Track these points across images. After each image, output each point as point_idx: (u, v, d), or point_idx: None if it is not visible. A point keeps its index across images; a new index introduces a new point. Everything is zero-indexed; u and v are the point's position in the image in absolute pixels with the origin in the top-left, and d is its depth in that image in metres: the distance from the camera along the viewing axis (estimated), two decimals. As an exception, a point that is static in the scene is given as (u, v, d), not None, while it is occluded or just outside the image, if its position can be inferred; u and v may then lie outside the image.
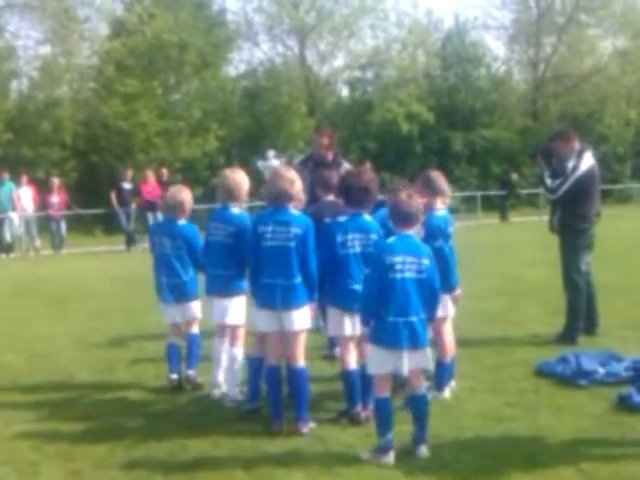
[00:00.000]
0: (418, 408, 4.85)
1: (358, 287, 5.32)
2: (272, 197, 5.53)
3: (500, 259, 15.27)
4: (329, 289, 5.53)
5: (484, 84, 35.22)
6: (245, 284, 6.09)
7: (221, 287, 6.16)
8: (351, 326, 5.44)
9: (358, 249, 5.42)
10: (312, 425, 5.38)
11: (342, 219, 5.48)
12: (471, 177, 33.90)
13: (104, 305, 11.09)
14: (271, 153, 8.17)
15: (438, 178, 6.05)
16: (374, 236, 5.42)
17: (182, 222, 6.78)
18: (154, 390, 6.56)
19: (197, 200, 27.07)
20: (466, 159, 34.19)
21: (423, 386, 4.92)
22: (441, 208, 6.03)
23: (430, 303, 4.85)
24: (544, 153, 8.22)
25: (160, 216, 20.56)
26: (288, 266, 5.36)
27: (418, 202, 4.86)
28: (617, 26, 39.38)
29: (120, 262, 18.05)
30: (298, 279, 5.38)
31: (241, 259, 5.96)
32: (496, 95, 35.66)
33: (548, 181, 7.97)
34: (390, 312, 4.70)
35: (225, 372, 6.27)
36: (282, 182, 5.49)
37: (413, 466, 4.64)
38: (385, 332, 4.73)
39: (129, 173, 21.56)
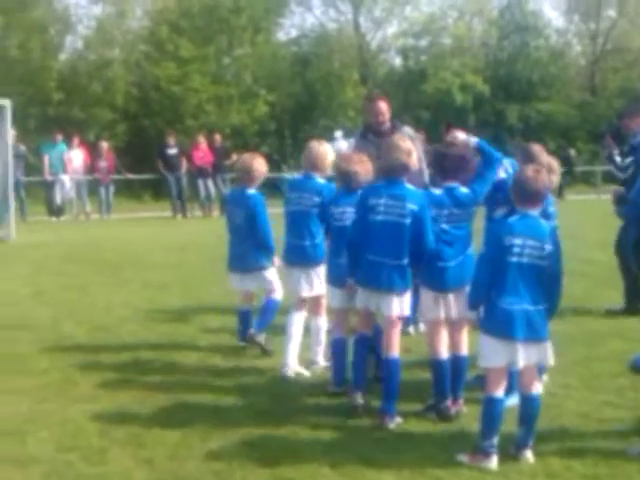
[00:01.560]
0: (529, 410, 4.38)
1: (451, 264, 4.96)
2: (387, 169, 5.12)
3: (565, 240, 14.59)
4: (422, 269, 5.10)
5: (542, 56, 34.06)
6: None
7: (303, 257, 6.02)
8: (443, 309, 5.02)
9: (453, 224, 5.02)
10: (398, 420, 4.97)
11: (437, 192, 5.05)
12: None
13: (159, 275, 10.76)
14: (338, 133, 7.76)
15: (541, 153, 5.53)
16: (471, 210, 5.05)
17: (252, 191, 6.57)
18: (223, 371, 6.21)
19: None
20: (521, 133, 33.20)
21: (538, 386, 4.45)
22: None
23: (551, 293, 4.37)
24: (613, 132, 8.22)
25: (210, 183, 20.43)
26: (399, 245, 4.96)
27: (545, 178, 4.37)
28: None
29: (170, 229, 17.76)
30: (406, 260, 4.99)
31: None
32: (554, 68, 34.45)
33: (618, 159, 7.94)
34: (504, 299, 4.26)
35: (298, 349, 6.13)
36: (399, 153, 5.06)
37: (518, 473, 4.21)
38: (497, 320, 4.28)
39: (172, 139, 21.07)
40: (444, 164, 5.11)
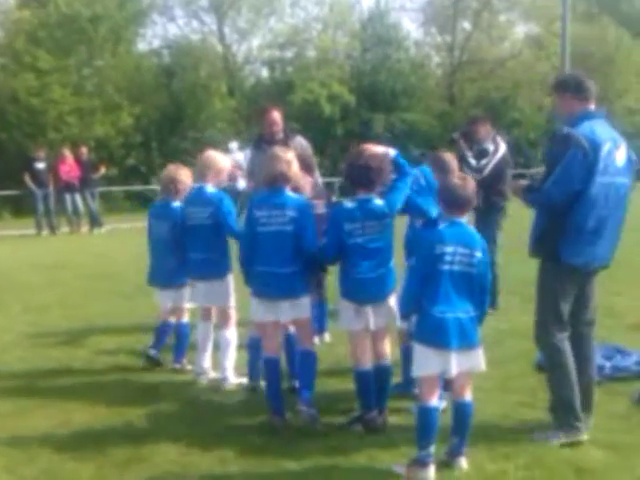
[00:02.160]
0: (463, 417, 4.37)
1: (370, 276, 4.86)
2: (268, 179, 5.14)
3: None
4: (339, 281, 5.00)
5: (404, 67, 35.03)
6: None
7: (207, 270, 5.92)
8: (364, 320, 4.94)
9: (367, 237, 4.91)
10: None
11: (349, 205, 4.95)
12: (390, 160, 33.70)
13: (38, 296, 10.14)
14: (234, 144, 7.67)
15: (452, 161, 5.57)
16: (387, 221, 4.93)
17: (176, 204, 6.41)
18: (131, 394, 5.86)
19: (112, 181, 26.18)
20: (386, 142, 33.95)
21: (469, 393, 4.42)
22: None
23: (481, 300, 4.37)
24: (465, 136, 8.72)
25: (77, 198, 19.58)
26: (285, 253, 4.97)
27: (472, 185, 4.36)
28: (527, 13, 40.15)
29: (37, 247, 16.88)
30: (295, 267, 5.00)
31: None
32: (415, 78, 35.52)
33: (472, 161, 8.44)
34: (436, 307, 4.21)
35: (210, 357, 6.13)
36: (279, 163, 5.13)
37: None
38: (430, 329, 4.23)
39: (41, 152, 20.03)
40: (354, 175, 5.03)
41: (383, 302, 4.94)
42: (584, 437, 4.64)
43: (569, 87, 4.80)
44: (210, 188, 5.95)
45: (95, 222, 19.88)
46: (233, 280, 6.03)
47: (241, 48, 34.55)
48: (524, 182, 4.97)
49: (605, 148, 4.57)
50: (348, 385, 5.73)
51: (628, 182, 4.78)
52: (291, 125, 8.22)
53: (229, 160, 6.34)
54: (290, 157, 5.20)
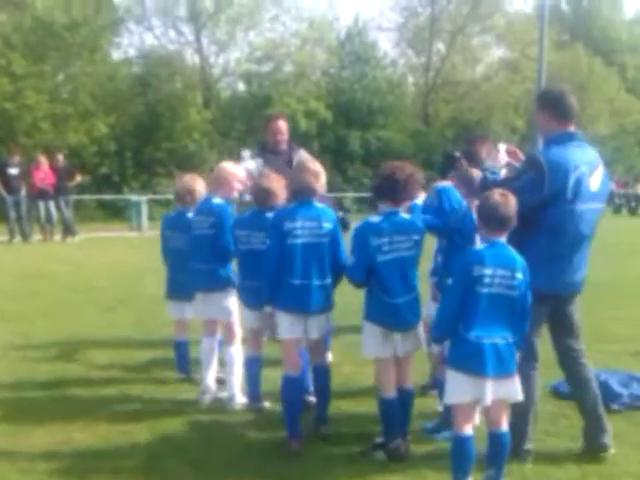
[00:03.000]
0: (499, 448, 4.13)
1: (402, 300, 4.62)
2: (296, 191, 5.01)
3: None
4: (367, 303, 4.76)
5: (381, 85, 35.10)
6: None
7: (207, 281, 5.71)
8: (392, 346, 4.70)
9: (396, 254, 4.68)
10: None
11: (375, 219, 4.73)
12: (365, 177, 33.67)
13: (17, 306, 9.74)
14: (246, 153, 7.46)
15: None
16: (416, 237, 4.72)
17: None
18: (138, 413, 5.55)
19: (84, 189, 25.67)
20: (361, 159, 33.96)
21: (505, 422, 4.20)
22: None
23: (520, 325, 4.16)
24: (467, 156, 8.56)
25: (51, 205, 19.07)
26: (322, 265, 4.84)
27: (514, 202, 4.16)
28: (502, 37, 40.57)
29: (10, 255, 16.37)
30: (330, 279, 4.90)
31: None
32: (392, 97, 35.62)
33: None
34: (473, 331, 4.00)
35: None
36: (308, 175, 4.99)
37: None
38: (466, 355, 4.02)
39: (15, 157, 19.47)
40: (380, 187, 4.81)
41: (413, 328, 4.75)
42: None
43: (547, 104, 4.63)
44: (217, 199, 5.73)
45: (68, 231, 19.41)
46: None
47: (218, 60, 34.36)
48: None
49: (575, 175, 4.40)
50: (360, 407, 5.55)
51: (601, 207, 4.64)
52: (295, 141, 8.04)
53: (242, 169, 6.08)
54: (318, 168, 5.05)
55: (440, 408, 5.45)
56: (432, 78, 39.49)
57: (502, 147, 5.30)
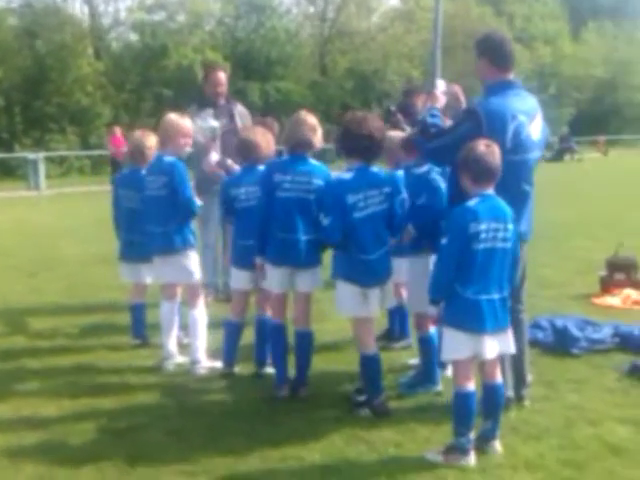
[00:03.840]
0: (495, 400, 4.10)
1: (376, 256, 4.54)
2: (292, 144, 4.88)
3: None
4: (340, 261, 4.63)
5: (279, 35, 34.54)
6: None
7: (164, 245, 5.43)
8: (370, 304, 4.60)
9: (370, 210, 4.56)
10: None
11: (347, 176, 4.58)
12: (265, 130, 33.25)
13: None
14: (209, 112, 7.23)
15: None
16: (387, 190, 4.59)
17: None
18: (94, 384, 5.24)
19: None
20: (261, 111, 33.46)
21: (499, 374, 4.18)
22: None
23: (511, 275, 4.12)
24: (402, 109, 8.44)
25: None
26: (309, 220, 4.76)
27: (498, 152, 4.06)
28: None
29: None
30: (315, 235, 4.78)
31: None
32: (290, 47, 35.15)
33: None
34: (470, 289, 3.93)
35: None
36: (305, 129, 4.86)
37: (498, 467, 3.92)
38: (464, 312, 3.94)
39: None
40: (352, 144, 4.65)
41: (387, 282, 4.67)
42: None
43: (486, 52, 4.53)
44: (168, 156, 5.43)
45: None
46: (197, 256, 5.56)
47: (108, 9, 32.90)
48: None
49: (513, 125, 4.33)
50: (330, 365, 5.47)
51: (540, 154, 4.64)
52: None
53: (188, 121, 5.69)
54: (315, 122, 4.91)
55: (412, 362, 5.46)
56: (328, 28, 39.18)
57: (441, 84, 5.08)
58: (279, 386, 4.92)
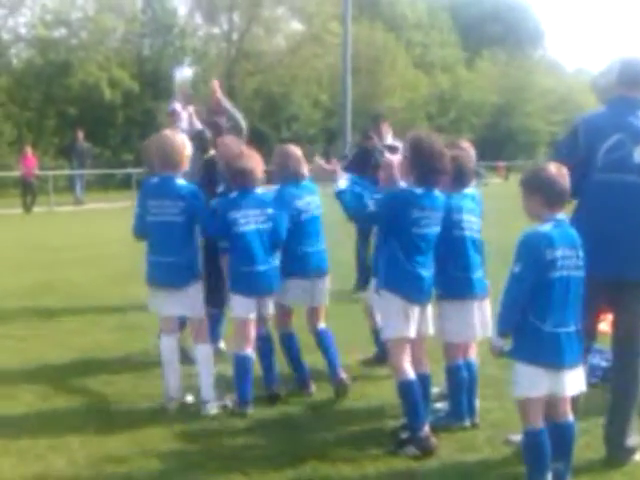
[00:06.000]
0: (568, 439, 3.75)
1: (425, 273, 4.30)
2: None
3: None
4: (387, 276, 4.33)
5: (188, 55, 33.88)
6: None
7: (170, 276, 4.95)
8: (415, 326, 4.29)
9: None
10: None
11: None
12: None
13: None
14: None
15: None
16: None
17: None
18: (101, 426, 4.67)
19: None
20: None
21: (571, 412, 3.81)
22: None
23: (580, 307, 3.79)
24: (377, 133, 8.58)
25: None
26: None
27: (567, 174, 3.75)
28: (300, 11, 40.58)
29: None
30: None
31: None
32: (199, 68, 34.45)
33: None
34: (549, 321, 3.61)
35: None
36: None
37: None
38: (543, 346, 3.61)
39: None
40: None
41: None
42: None
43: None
44: (180, 179, 4.99)
45: None
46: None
47: (8, 24, 31.33)
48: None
49: None
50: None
51: None
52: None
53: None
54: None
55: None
56: (235, 49, 38.68)
57: None
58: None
